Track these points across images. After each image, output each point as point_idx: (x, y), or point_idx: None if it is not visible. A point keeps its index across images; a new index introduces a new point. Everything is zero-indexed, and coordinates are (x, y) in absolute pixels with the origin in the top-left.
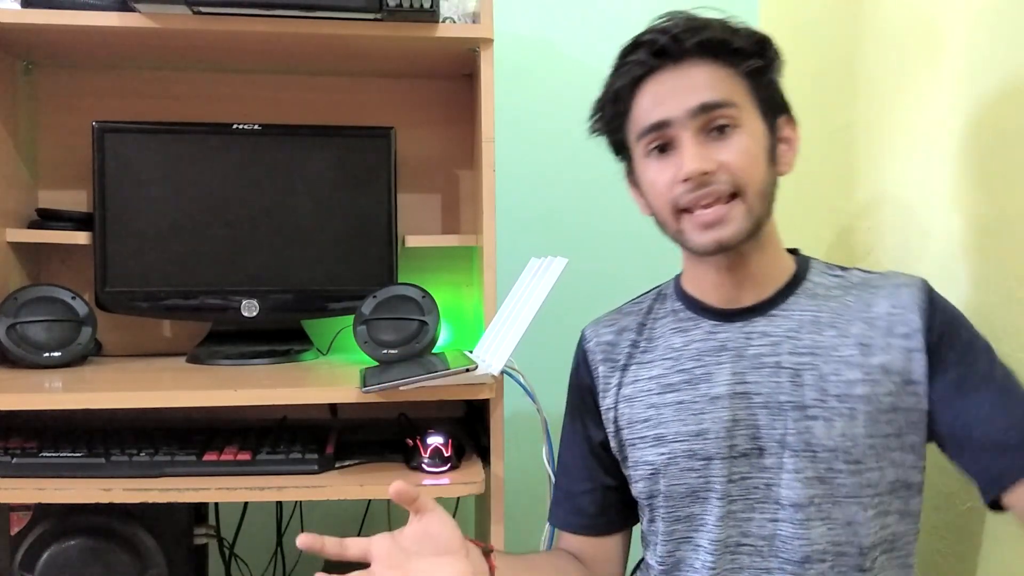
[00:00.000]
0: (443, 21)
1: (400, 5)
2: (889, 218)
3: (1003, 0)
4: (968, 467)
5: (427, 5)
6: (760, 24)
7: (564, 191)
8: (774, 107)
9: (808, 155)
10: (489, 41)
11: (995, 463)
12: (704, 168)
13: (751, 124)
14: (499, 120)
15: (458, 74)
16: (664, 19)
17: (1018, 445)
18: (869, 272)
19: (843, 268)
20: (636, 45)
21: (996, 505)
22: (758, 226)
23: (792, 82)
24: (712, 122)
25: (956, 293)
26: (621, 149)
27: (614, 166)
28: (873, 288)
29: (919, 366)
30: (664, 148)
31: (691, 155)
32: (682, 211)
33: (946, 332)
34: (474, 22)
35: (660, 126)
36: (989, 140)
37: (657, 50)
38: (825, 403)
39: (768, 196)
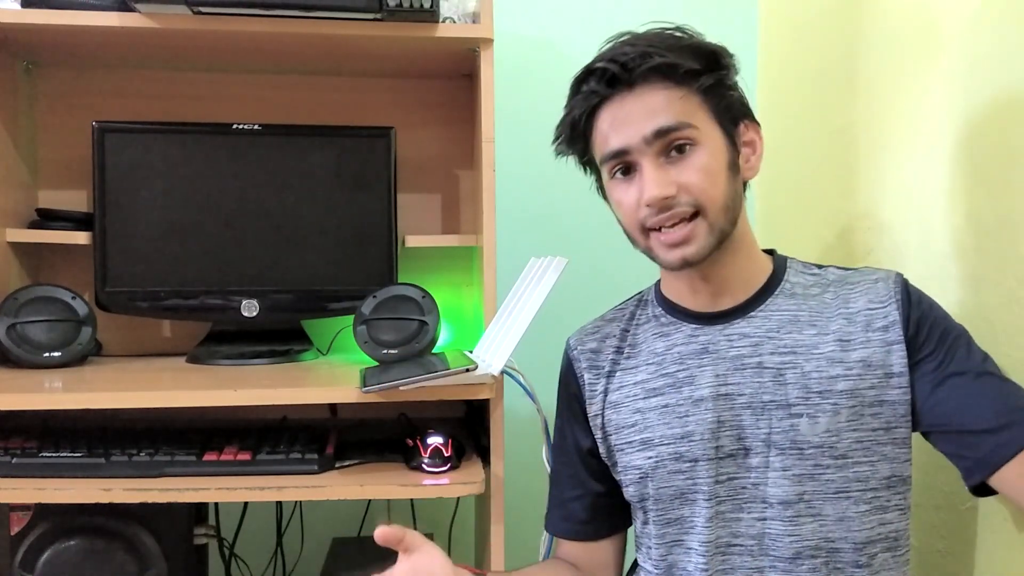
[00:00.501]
0: (443, 21)
1: (400, 5)
2: (889, 218)
3: (1003, 0)
4: (953, 453)
5: (427, 5)
6: (760, 24)
7: (564, 191)
8: (733, 116)
9: (808, 155)
10: (489, 41)
11: (979, 447)
12: (664, 194)
13: (710, 140)
14: (499, 120)
15: (458, 74)
16: (614, 44)
17: (1000, 427)
18: (845, 269)
19: (819, 266)
20: (588, 74)
21: (981, 490)
22: (723, 239)
23: (792, 82)
24: (670, 144)
25: (956, 293)
26: (588, 165)
27: None
28: (850, 284)
29: (898, 358)
30: (628, 170)
31: (651, 182)
32: (649, 230)
33: (923, 323)
34: (474, 22)
35: (620, 154)
36: (989, 140)
37: (609, 79)
38: (808, 400)
39: (732, 208)
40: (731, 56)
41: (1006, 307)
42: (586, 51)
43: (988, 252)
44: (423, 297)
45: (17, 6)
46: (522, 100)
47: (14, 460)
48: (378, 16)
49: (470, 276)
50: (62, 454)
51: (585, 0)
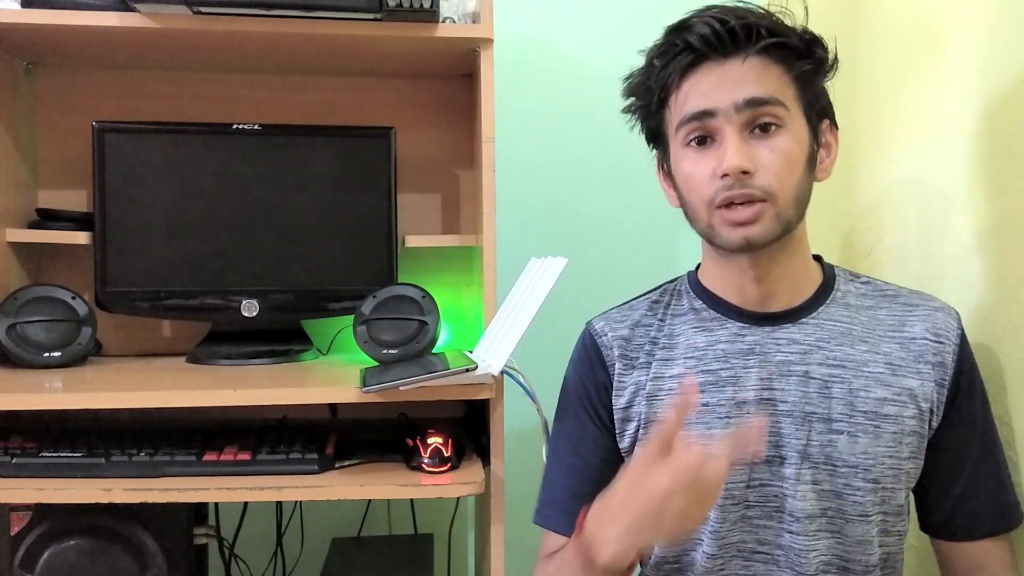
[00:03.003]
0: (443, 21)
1: (400, 5)
2: (889, 218)
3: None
4: (928, 502)
5: (427, 5)
6: None
7: (564, 191)
8: (819, 111)
9: None
10: (489, 41)
11: (956, 516)
12: (744, 167)
13: (795, 127)
14: (499, 120)
15: (458, 74)
16: (716, 8)
17: (988, 512)
18: (893, 285)
19: (863, 276)
20: (687, 30)
21: (928, 530)
22: (787, 230)
23: None
24: (757, 119)
25: (957, 293)
26: (655, 136)
27: (614, 166)
28: (908, 306)
29: (939, 399)
30: (703, 140)
31: (734, 151)
32: (716, 207)
33: (967, 376)
34: (474, 22)
35: (703, 115)
36: (990, 140)
37: (709, 40)
38: (852, 418)
39: (801, 202)
40: (828, 50)
41: (1006, 307)
42: (586, 51)
43: (988, 252)
44: (423, 297)
45: (17, 6)
46: (522, 100)
47: (14, 460)
48: (378, 16)
49: (470, 276)
50: (62, 454)
51: (585, 0)
